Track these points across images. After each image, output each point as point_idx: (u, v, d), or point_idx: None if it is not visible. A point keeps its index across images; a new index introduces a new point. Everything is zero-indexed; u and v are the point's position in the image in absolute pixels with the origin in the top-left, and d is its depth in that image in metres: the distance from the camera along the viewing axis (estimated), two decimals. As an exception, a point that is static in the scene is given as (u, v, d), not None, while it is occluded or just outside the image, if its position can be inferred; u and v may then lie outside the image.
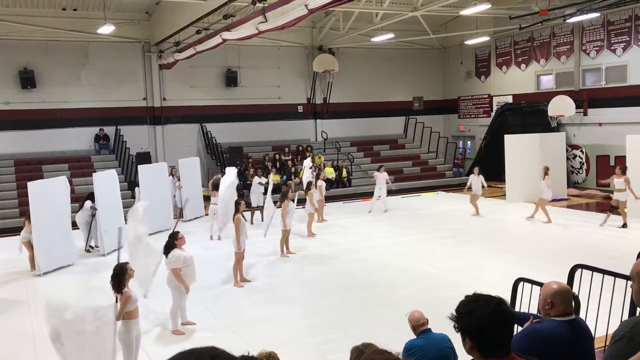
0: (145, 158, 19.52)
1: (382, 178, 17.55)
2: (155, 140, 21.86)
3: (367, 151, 24.53)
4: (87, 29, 19.70)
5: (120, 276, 6.33)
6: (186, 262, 8.04)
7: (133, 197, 16.86)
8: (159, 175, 16.49)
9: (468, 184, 17.27)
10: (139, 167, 16.16)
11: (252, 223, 15.94)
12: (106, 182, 14.02)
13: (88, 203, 13.65)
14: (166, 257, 8.05)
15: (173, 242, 8.11)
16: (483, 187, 16.86)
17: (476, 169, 17.24)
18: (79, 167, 19.03)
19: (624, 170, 14.30)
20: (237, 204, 10.56)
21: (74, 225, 13.44)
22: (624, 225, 14.09)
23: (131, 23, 20.90)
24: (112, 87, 20.96)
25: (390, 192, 18.26)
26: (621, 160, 16.54)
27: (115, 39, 20.31)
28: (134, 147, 20.49)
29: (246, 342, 7.57)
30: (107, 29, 17.77)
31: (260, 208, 16.04)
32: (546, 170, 15.55)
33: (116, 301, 6.14)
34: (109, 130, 20.96)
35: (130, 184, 18.82)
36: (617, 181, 14.26)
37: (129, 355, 6.37)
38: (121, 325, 6.29)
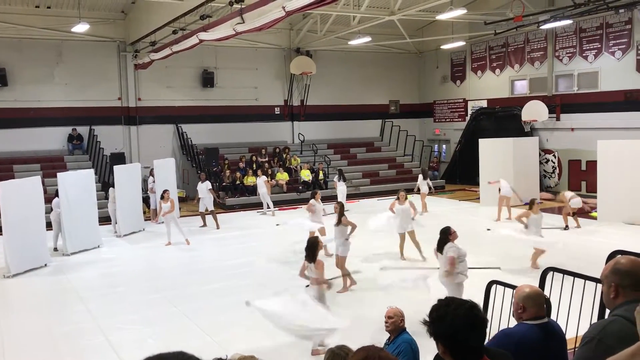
0: (119, 158, 19.28)
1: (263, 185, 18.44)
2: (130, 141, 21.59)
3: (344, 154, 24.59)
4: (61, 27, 19.37)
5: (313, 248, 7.55)
6: (461, 256, 8.10)
7: (107, 197, 16.67)
8: (132, 175, 16.33)
9: (416, 188, 18.19)
10: (115, 167, 15.98)
11: (217, 227, 15.95)
12: (78, 182, 13.86)
13: (56, 200, 13.52)
14: (440, 253, 8.21)
15: (447, 237, 8.21)
16: (430, 189, 18.04)
17: (420, 176, 18.03)
18: (51, 167, 18.68)
19: None
20: (313, 194, 11.90)
21: (49, 226, 13.23)
22: (566, 228, 14.60)
23: (106, 22, 20.64)
24: (87, 87, 20.64)
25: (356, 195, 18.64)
26: (592, 165, 16.84)
27: (90, 37, 20.02)
28: (108, 147, 20.21)
29: (221, 346, 7.54)
30: (81, 28, 17.51)
31: (212, 212, 16.21)
32: None
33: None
34: (83, 130, 20.66)
35: (104, 184, 18.58)
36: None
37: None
38: (317, 291, 7.33)
